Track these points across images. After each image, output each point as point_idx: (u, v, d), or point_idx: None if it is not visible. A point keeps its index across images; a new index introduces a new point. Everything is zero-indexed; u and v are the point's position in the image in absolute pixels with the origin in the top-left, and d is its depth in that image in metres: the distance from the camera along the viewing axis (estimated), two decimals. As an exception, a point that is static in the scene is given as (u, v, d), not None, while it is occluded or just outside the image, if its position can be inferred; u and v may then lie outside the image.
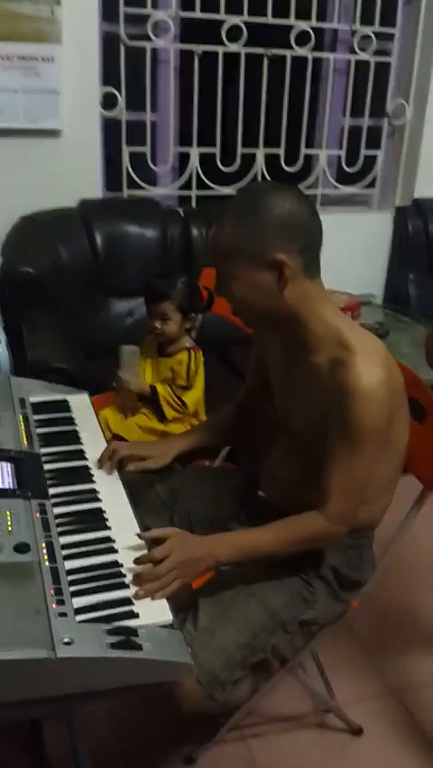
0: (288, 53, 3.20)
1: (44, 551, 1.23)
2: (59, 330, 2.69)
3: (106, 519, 1.36)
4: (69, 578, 1.18)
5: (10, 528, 1.27)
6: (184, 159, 3.24)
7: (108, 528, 1.34)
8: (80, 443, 1.64)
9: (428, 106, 3.43)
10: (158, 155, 3.21)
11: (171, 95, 3.11)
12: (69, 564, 1.22)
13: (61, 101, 2.82)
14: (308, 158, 3.47)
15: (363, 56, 3.34)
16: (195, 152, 3.21)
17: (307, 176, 3.49)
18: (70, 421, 1.74)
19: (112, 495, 1.45)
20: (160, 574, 1.17)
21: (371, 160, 3.57)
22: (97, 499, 1.43)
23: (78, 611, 1.11)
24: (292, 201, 1.25)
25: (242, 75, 3.15)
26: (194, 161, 3.21)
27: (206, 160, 3.24)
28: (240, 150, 3.28)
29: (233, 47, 3.10)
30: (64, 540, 1.28)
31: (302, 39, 3.19)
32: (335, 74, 3.35)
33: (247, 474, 1.67)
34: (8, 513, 1.31)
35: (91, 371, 2.55)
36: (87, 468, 1.54)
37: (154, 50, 3.03)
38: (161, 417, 2.14)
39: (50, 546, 1.24)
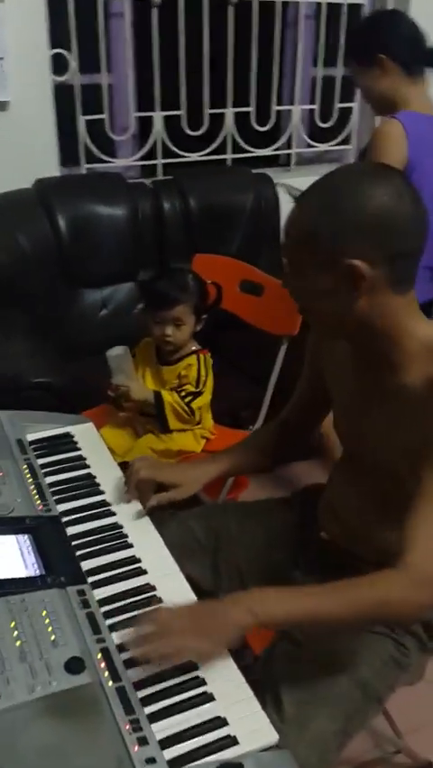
0: (254, -1, 2.88)
1: (102, 663, 0.99)
2: (30, 334, 2.39)
3: (159, 600, 1.13)
4: (140, 694, 0.95)
5: (54, 637, 1.02)
6: (145, 125, 2.91)
7: (165, 613, 1.10)
8: (99, 488, 1.39)
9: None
10: (117, 122, 2.87)
11: (128, 52, 2.76)
12: (134, 674, 0.98)
13: (6, 68, 2.44)
14: (279, 114, 3.18)
15: (334, -1, 3.04)
16: (158, 116, 2.89)
17: (279, 135, 3.21)
18: (81, 461, 1.48)
19: (154, 557, 1.22)
20: (162, 631, 0.98)
21: (346, 114, 3.30)
22: (141, 570, 1.19)
23: (164, 743, 0.90)
24: (391, 196, 1.00)
25: (205, 25, 2.82)
26: (158, 126, 2.89)
27: (170, 124, 2.92)
28: (207, 110, 2.96)
29: (193, -6, 2.76)
30: (118, 639, 1.04)
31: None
32: (304, 20, 3.04)
33: (303, 508, 1.43)
34: (44, 612, 1.06)
35: (72, 376, 2.28)
36: (115, 525, 1.29)
37: (106, 3, 2.67)
38: (164, 428, 1.89)
39: (106, 654, 1.01)
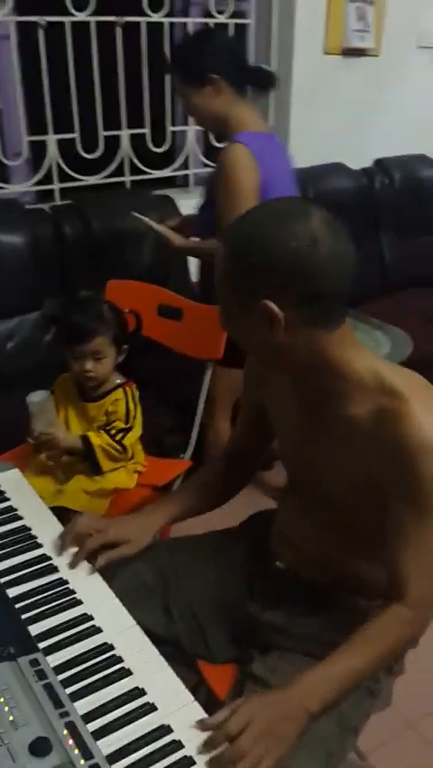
0: (142, 20, 2.84)
1: (70, 740, 0.90)
2: None
3: (119, 659, 1.05)
4: (115, 769, 0.87)
5: (12, 718, 0.92)
6: (38, 149, 2.81)
7: (129, 674, 1.03)
8: (36, 541, 1.30)
9: (294, 69, 3.22)
10: (8, 147, 2.75)
11: (16, 76, 2.66)
12: (105, 746, 0.90)
13: None
14: (174, 135, 3.15)
15: (220, 19, 3.05)
16: (52, 140, 2.79)
17: (175, 156, 3.18)
18: (12, 512, 1.38)
19: (106, 612, 1.14)
20: (243, 751, 0.90)
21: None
22: (96, 629, 1.11)
23: None
24: (306, 239, 0.97)
25: (94, 47, 2.76)
26: (52, 150, 2.79)
27: (64, 148, 2.83)
28: (102, 133, 2.89)
29: (81, 16, 2.69)
30: (82, 709, 0.96)
31: (156, 5, 2.85)
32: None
33: (253, 538, 1.39)
34: (-3, 690, 0.96)
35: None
36: (60, 581, 1.20)
37: (-11, 24, 2.56)
38: (97, 471, 1.79)
39: (72, 729, 0.92)
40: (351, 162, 3.61)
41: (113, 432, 1.78)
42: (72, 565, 1.22)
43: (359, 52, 3.48)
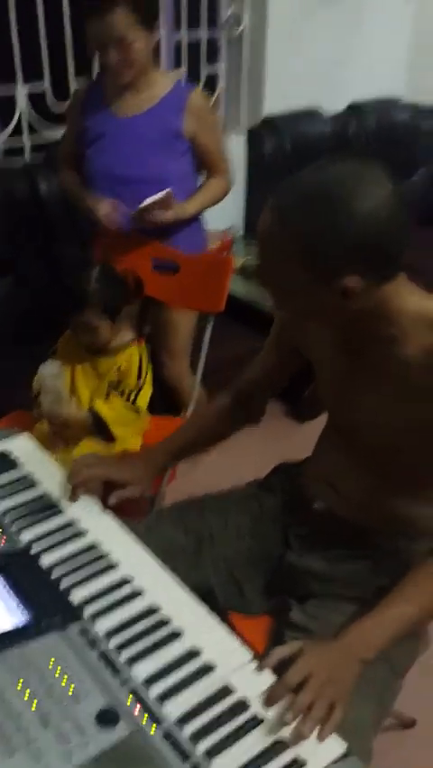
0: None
1: (136, 708, 0.87)
2: None
3: (167, 620, 1.02)
4: (187, 731, 0.85)
5: (72, 690, 0.89)
6: (5, 102, 2.66)
7: (180, 634, 1.00)
8: (59, 507, 1.25)
9: (269, 10, 3.10)
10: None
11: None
12: (173, 709, 0.88)
13: None
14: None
15: None
16: (21, 91, 2.65)
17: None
18: (29, 480, 1.32)
19: (144, 573, 1.11)
20: (308, 703, 0.88)
21: (212, 79, 3.21)
22: (137, 591, 1.07)
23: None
24: (386, 206, 0.92)
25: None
26: (22, 103, 2.65)
27: (34, 100, 2.69)
28: (73, 82, 2.76)
29: None
30: (141, 675, 0.93)
31: None
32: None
33: (285, 486, 1.36)
34: (51, 663, 0.92)
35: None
36: (92, 546, 1.16)
37: None
38: (109, 440, 1.73)
39: (136, 696, 0.89)
40: (327, 105, 3.53)
41: (126, 393, 1.72)
42: (72, 497, 1.24)
43: (333, -9, 3.37)
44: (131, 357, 1.76)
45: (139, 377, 1.74)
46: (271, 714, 0.89)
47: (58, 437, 1.73)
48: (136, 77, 1.95)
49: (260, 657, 0.98)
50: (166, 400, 2.10)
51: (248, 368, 1.39)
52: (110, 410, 1.70)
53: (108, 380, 1.77)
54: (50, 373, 1.67)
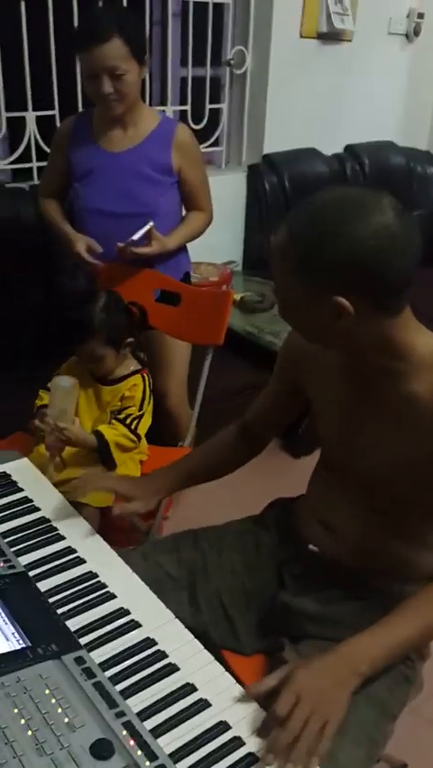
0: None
1: (131, 741, 0.87)
2: None
3: (164, 654, 1.02)
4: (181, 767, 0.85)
5: (67, 719, 0.89)
6: (15, 126, 2.70)
7: (176, 669, 1.00)
8: (59, 533, 1.26)
9: (271, 52, 3.19)
10: (-16, 123, 2.64)
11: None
12: (165, 744, 0.88)
13: None
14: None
15: (199, -2, 2.99)
16: (31, 117, 2.69)
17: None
18: (28, 503, 1.33)
19: (142, 606, 1.11)
20: (295, 734, 0.89)
21: (215, 115, 3.27)
22: (135, 623, 1.08)
23: None
24: (386, 231, 0.95)
25: (75, 22, 2.66)
26: (31, 127, 2.70)
27: (43, 125, 2.73)
28: (81, 110, 2.80)
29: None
30: (136, 707, 0.93)
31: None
32: (172, 19, 2.97)
33: (280, 524, 1.37)
34: (47, 691, 0.92)
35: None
36: (91, 575, 1.17)
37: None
38: (111, 466, 1.73)
39: (131, 729, 0.89)
40: (323, 147, 3.61)
41: (128, 421, 1.73)
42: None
43: (333, 37, 3.47)
44: (134, 386, 1.77)
45: (141, 405, 1.75)
46: (263, 749, 0.90)
47: (54, 457, 1.72)
48: (126, 111, 1.98)
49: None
50: (160, 431, 2.10)
51: (254, 402, 1.41)
52: (113, 433, 1.71)
53: (110, 410, 1.78)
54: (63, 387, 1.65)
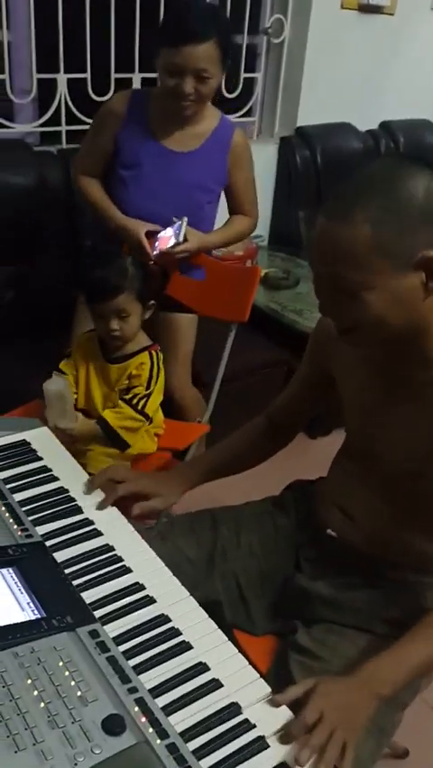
0: None
1: (143, 718, 0.87)
2: None
3: (177, 632, 1.02)
4: (191, 746, 0.85)
5: (80, 693, 0.89)
6: (46, 88, 2.66)
7: (190, 647, 1.00)
8: (77, 504, 1.25)
9: (310, 22, 3.10)
10: (16, 83, 2.60)
11: (29, 8, 2.49)
12: (176, 722, 0.88)
13: None
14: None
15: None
16: (62, 79, 2.65)
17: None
18: (47, 472, 1.33)
19: (157, 582, 1.11)
20: (321, 745, 0.88)
21: (250, 84, 3.21)
22: (150, 599, 1.08)
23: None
24: (430, 179, 0.94)
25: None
26: (62, 89, 2.66)
27: (73, 89, 2.69)
28: (114, 75, 2.76)
29: None
30: (148, 683, 0.93)
31: None
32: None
33: (299, 507, 1.36)
34: (60, 663, 0.92)
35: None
36: (107, 548, 1.16)
37: None
38: (124, 448, 1.72)
39: (143, 706, 0.89)
40: (358, 123, 3.53)
41: (134, 401, 1.72)
42: (101, 507, 1.23)
43: (375, 9, 3.38)
44: (141, 364, 1.75)
45: (149, 384, 1.74)
46: (275, 737, 0.90)
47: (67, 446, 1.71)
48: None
49: (266, 680, 0.98)
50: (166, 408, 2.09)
51: (281, 393, 1.39)
52: (118, 419, 1.70)
53: (118, 388, 1.76)
54: (54, 390, 1.64)
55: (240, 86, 3.15)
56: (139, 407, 1.72)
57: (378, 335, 1.03)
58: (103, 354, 1.79)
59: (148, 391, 1.74)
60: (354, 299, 0.97)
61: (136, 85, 2.83)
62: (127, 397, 1.74)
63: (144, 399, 1.73)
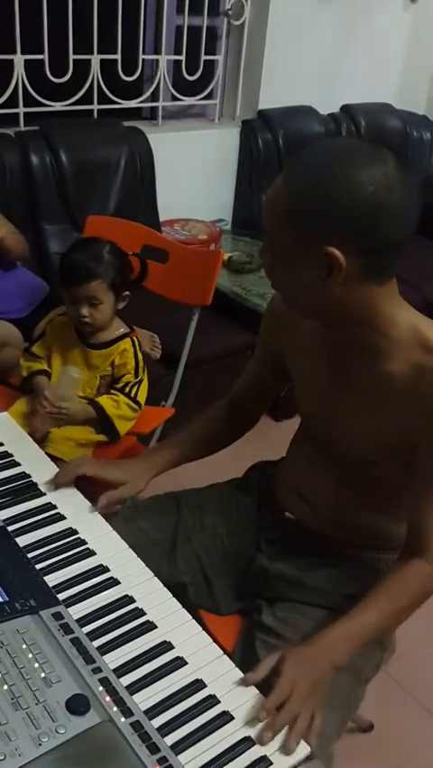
0: None
1: (107, 697, 0.88)
2: None
3: (141, 611, 1.03)
4: (155, 723, 0.86)
5: (44, 674, 0.89)
6: (2, 69, 2.61)
7: (154, 627, 1.01)
8: (39, 488, 1.25)
9: (271, 3, 3.09)
10: (-29, 65, 2.55)
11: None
12: (140, 701, 0.89)
13: None
14: (143, 65, 2.99)
15: None
16: (19, 60, 2.60)
17: (142, 87, 3.03)
18: (8, 457, 1.32)
19: (122, 564, 1.11)
20: (294, 714, 0.90)
21: (210, 67, 3.19)
22: (114, 581, 1.08)
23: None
24: (383, 185, 0.92)
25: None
26: (19, 71, 2.61)
27: (31, 70, 2.64)
28: (72, 56, 2.72)
29: None
30: (112, 664, 0.93)
31: None
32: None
33: (260, 489, 1.37)
34: (23, 646, 0.92)
35: None
36: (71, 531, 1.16)
37: None
38: (115, 437, 1.72)
39: (107, 685, 0.90)
40: (319, 106, 3.54)
41: (126, 389, 1.71)
42: (61, 481, 1.24)
43: (335, -9, 3.37)
44: (123, 352, 1.74)
45: (137, 371, 1.73)
46: (240, 711, 0.91)
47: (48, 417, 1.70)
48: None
49: (231, 658, 0.99)
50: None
51: (241, 377, 1.39)
52: (114, 407, 1.70)
53: (100, 374, 1.75)
54: (74, 377, 1.69)
55: (200, 68, 3.13)
56: (132, 395, 1.71)
57: (294, 307, 1.08)
58: (81, 339, 1.77)
59: (138, 379, 1.73)
60: (268, 253, 1.02)
61: (95, 67, 2.79)
62: (119, 386, 1.73)
63: (136, 387, 1.72)
